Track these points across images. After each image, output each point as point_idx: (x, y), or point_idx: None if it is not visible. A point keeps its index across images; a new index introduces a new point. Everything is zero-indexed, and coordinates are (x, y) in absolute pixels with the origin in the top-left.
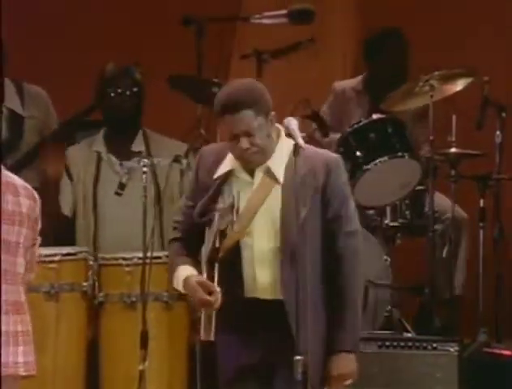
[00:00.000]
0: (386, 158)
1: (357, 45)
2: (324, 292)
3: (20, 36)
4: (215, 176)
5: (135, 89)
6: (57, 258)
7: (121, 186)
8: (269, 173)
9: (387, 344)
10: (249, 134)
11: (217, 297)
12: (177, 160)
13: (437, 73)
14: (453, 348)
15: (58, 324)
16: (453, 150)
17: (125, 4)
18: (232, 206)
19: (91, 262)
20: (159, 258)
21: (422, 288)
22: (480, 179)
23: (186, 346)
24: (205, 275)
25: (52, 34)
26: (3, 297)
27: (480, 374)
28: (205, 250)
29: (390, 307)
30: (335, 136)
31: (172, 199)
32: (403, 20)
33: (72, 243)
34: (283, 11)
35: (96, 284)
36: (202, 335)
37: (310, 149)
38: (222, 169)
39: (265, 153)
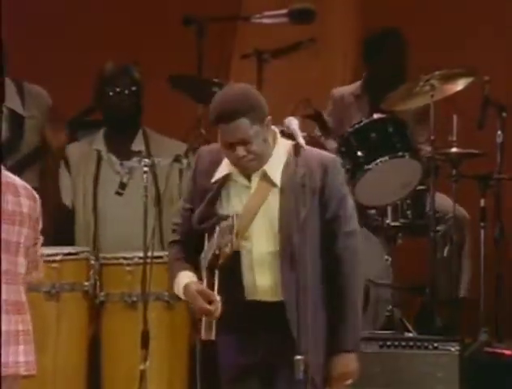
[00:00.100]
0: (386, 158)
1: (358, 45)
2: (324, 293)
3: (20, 36)
4: (213, 180)
5: (134, 88)
6: (58, 258)
7: (122, 186)
8: (266, 178)
9: (388, 343)
10: (245, 143)
11: (217, 306)
12: (177, 159)
13: (437, 73)
14: (454, 348)
15: (59, 324)
16: (454, 150)
17: (126, 4)
18: (231, 226)
19: (92, 262)
20: (160, 257)
21: (423, 287)
22: (481, 179)
23: (187, 346)
24: (205, 282)
25: (52, 34)
26: (4, 297)
27: (481, 373)
28: (204, 257)
29: (391, 307)
30: (333, 144)
31: (171, 200)
32: (404, 20)
33: (71, 239)
34: (284, 11)
35: (97, 283)
36: (203, 335)
37: (307, 150)
38: (219, 173)
39: (261, 159)
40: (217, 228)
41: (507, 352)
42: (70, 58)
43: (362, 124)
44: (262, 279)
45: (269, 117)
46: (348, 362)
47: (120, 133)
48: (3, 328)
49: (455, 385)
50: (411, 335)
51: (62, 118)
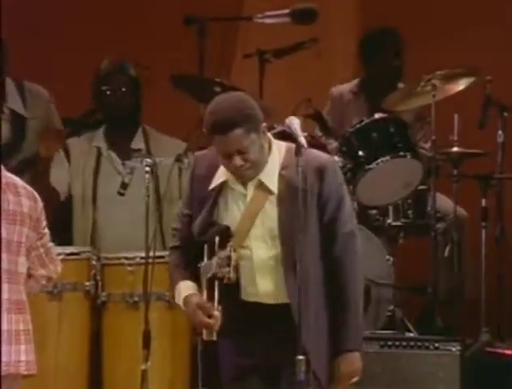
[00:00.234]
0: (388, 158)
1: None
2: (326, 293)
3: (20, 36)
4: (210, 187)
5: (131, 86)
6: (60, 258)
7: (124, 186)
8: (262, 187)
9: (389, 343)
10: (242, 152)
11: (217, 320)
12: (178, 159)
13: (438, 72)
14: (455, 348)
15: (61, 323)
16: (455, 149)
17: (127, 4)
18: (228, 258)
19: (93, 262)
20: (161, 257)
21: (424, 287)
22: (482, 178)
23: (189, 346)
24: (205, 294)
25: (52, 34)
26: (6, 296)
27: (483, 373)
28: (203, 272)
29: (392, 307)
30: (333, 144)
31: (172, 200)
32: (404, 20)
33: (70, 236)
34: (286, 11)
35: (99, 283)
36: (205, 336)
37: (305, 152)
38: (216, 180)
39: (258, 166)
40: (216, 239)
41: (508, 352)
42: (70, 58)
43: (363, 124)
44: (263, 284)
45: (264, 124)
46: (352, 361)
47: (119, 131)
48: (5, 327)
49: (456, 385)
50: (412, 335)
51: (59, 133)
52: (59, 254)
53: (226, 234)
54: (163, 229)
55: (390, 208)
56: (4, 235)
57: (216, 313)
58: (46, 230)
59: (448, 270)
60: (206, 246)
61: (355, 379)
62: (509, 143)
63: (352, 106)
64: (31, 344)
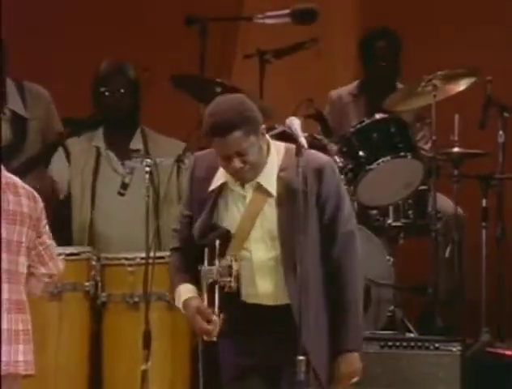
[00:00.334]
0: (388, 158)
1: None
2: (326, 294)
3: (20, 36)
4: (210, 189)
5: (129, 87)
6: (60, 258)
7: (124, 186)
8: (261, 189)
9: (390, 343)
10: (241, 154)
11: (216, 326)
12: (179, 159)
13: (439, 73)
14: (455, 348)
15: (61, 324)
16: (455, 149)
17: (127, 4)
18: (230, 267)
19: (93, 262)
20: (161, 258)
21: (425, 288)
22: (483, 179)
23: (189, 346)
24: (205, 298)
25: (52, 34)
26: (6, 296)
27: (483, 373)
28: (204, 276)
29: (392, 307)
30: (333, 148)
31: (172, 200)
32: (404, 20)
33: (70, 234)
34: (286, 11)
35: (99, 284)
36: (205, 336)
37: (305, 152)
38: (216, 182)
39: (257, 168)
40: (217, 242)
41: (509, 352)
42: (70, 58)
43: (364, 124)
44: (263, 285)
45: (263, 126)
46: (352, 362)
47: (118, 131)
48: (4, 327)
49: (457, 385)
50: (412, 335)
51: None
52: (59, 255)
53: (226, 238)
54: (159, 230)
55: (391, 208)
56: (4, 235)
57: (215, 318)
58: (46, 229)
59: (448, 270)
60: (206, 250)
61: (355, 379)
62: (509, 144)
63: (352, 108)
64: (29, 344)
